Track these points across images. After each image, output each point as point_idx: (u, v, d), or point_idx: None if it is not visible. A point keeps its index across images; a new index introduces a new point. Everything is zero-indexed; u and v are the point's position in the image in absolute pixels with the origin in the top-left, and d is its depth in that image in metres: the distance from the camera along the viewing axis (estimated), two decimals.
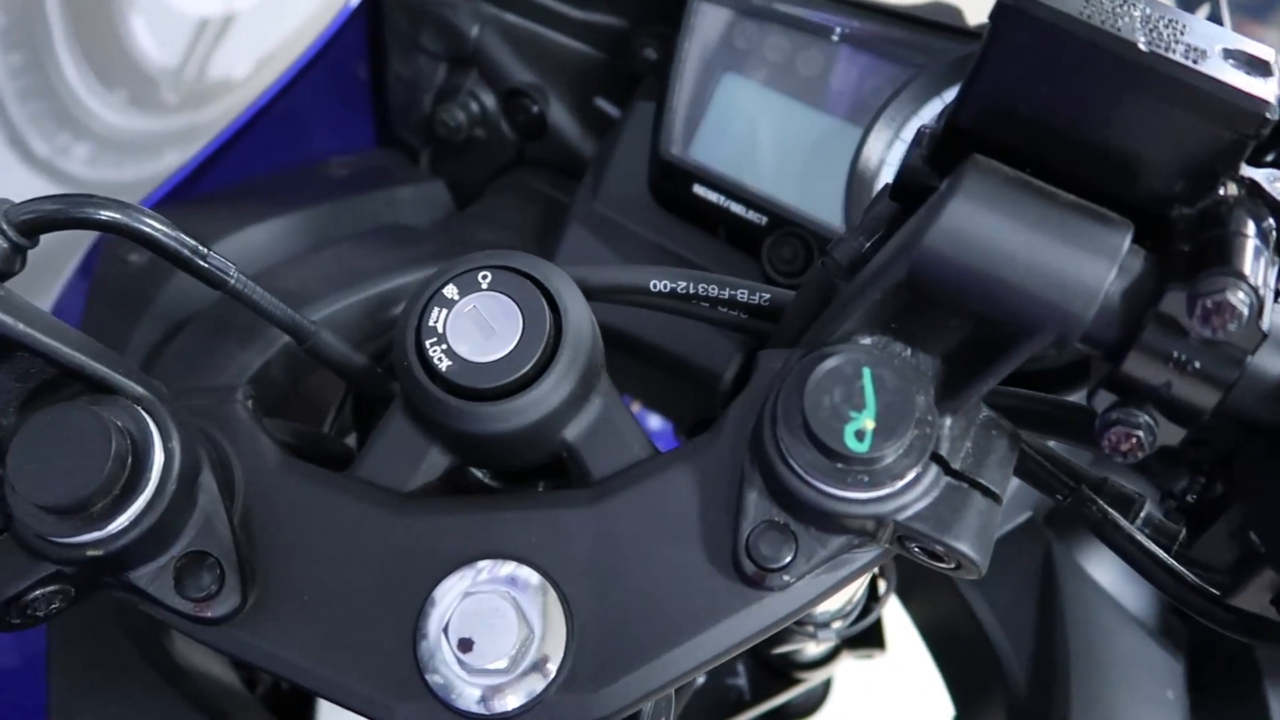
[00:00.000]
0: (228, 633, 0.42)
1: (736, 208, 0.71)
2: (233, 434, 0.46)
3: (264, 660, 0.42)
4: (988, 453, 0.40)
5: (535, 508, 0.44)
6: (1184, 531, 0.43)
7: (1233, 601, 0.40)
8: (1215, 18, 0.73)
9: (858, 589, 0.77)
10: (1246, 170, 0.35)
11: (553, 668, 0.41)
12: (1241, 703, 0.61)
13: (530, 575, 0.42)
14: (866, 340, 0.39)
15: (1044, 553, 0.67)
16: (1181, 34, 0.34)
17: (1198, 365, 0.33)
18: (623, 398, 0.47)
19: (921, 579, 0.78)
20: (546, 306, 0.43)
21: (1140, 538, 0.42)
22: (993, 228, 0.34)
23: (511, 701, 0.41)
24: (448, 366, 0.42)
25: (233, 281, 0.46)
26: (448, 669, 0.41)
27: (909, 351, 0.39)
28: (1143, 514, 0.44)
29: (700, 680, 0.86)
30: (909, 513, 0.38)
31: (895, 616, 0.85)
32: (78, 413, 0.38)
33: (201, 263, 0.45)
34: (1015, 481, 0.43)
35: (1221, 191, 0.35)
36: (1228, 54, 0.33)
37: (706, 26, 0.72)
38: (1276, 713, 0.59)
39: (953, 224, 0.34)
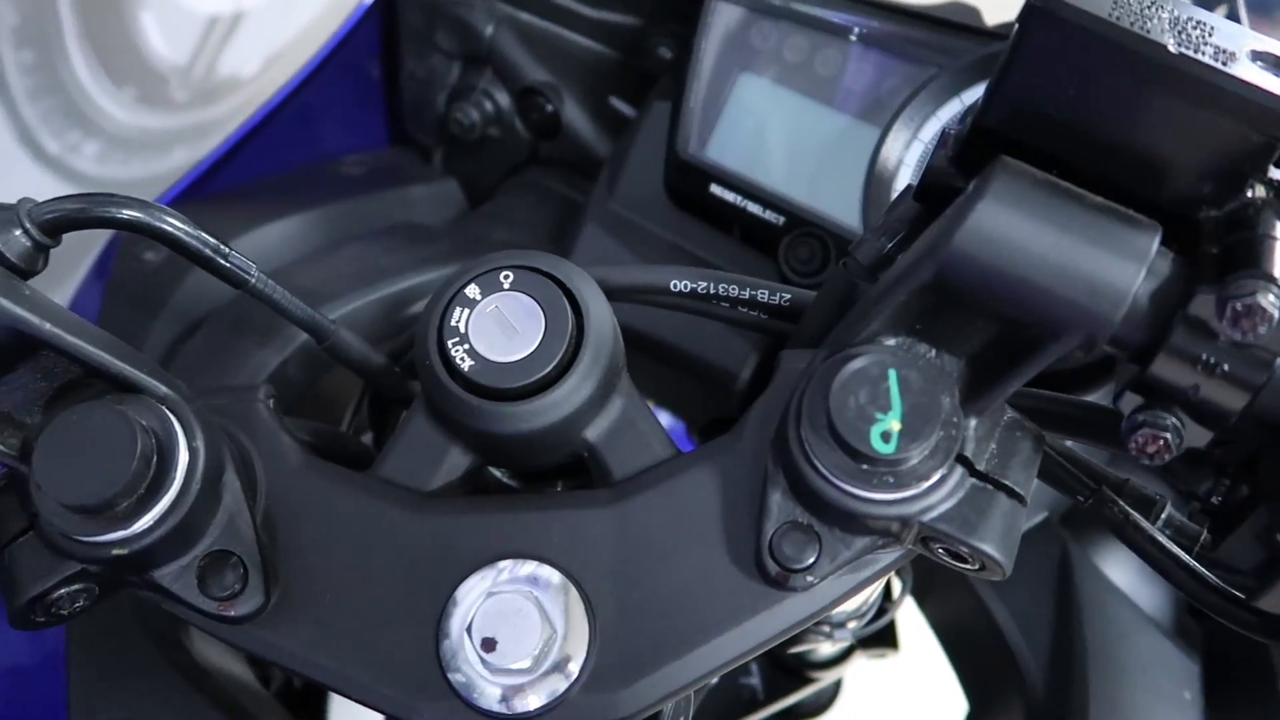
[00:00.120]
0: (250, 632, 0.42)
1: (753, 207, 0.71)
2: (254, 433, 0.46)
3: (286, 659, 0.42)
4: (1012, 454, 0.40)
5: (557, 507, 0.44)
6: (1206, 533, 0.43)
7: (1258, 604, 0.39)
8: (1234, 17, 0.73)
9: (875, 589, 0.76)
10: (1275, 172, 0.35)
11: (575, 668, 0.41)
12: (1257, 703, 0.61)
13: (552, 575, 0.42)
14: (891, 341, 0.39)
15: (1060, 553, 0.67)
16: (1210, 36, 0.34)
17: (1226, 368, 0.33)
18: None
19: (937, 579, 0.77)
20: (568, 307, 0.43)
21: (1162, 539, 0.42)
22: (1021, 230, 0.34)
23: (533, 701, 0.41)
24: (470, 366, 0.42)
25: (254, 280, 0.46)
26: (470, 668, 0.41)
27: (934, 353, 0.39)
28: (1164, 515, 0.44)
29: (715, 679, 0.86)
30: (934, 514, 0.38)
31: (905, 615, 0.84)
32: (103, 412, 0.38)
33: (223, 262, 0.45)
34: (1033, 482, 0.43)
35: (1249, 194, 0.35)
36: (1255, 55, 0.33)
37: (723, 25, 0.71)
38: None
39: (981, 225, 0.34)
